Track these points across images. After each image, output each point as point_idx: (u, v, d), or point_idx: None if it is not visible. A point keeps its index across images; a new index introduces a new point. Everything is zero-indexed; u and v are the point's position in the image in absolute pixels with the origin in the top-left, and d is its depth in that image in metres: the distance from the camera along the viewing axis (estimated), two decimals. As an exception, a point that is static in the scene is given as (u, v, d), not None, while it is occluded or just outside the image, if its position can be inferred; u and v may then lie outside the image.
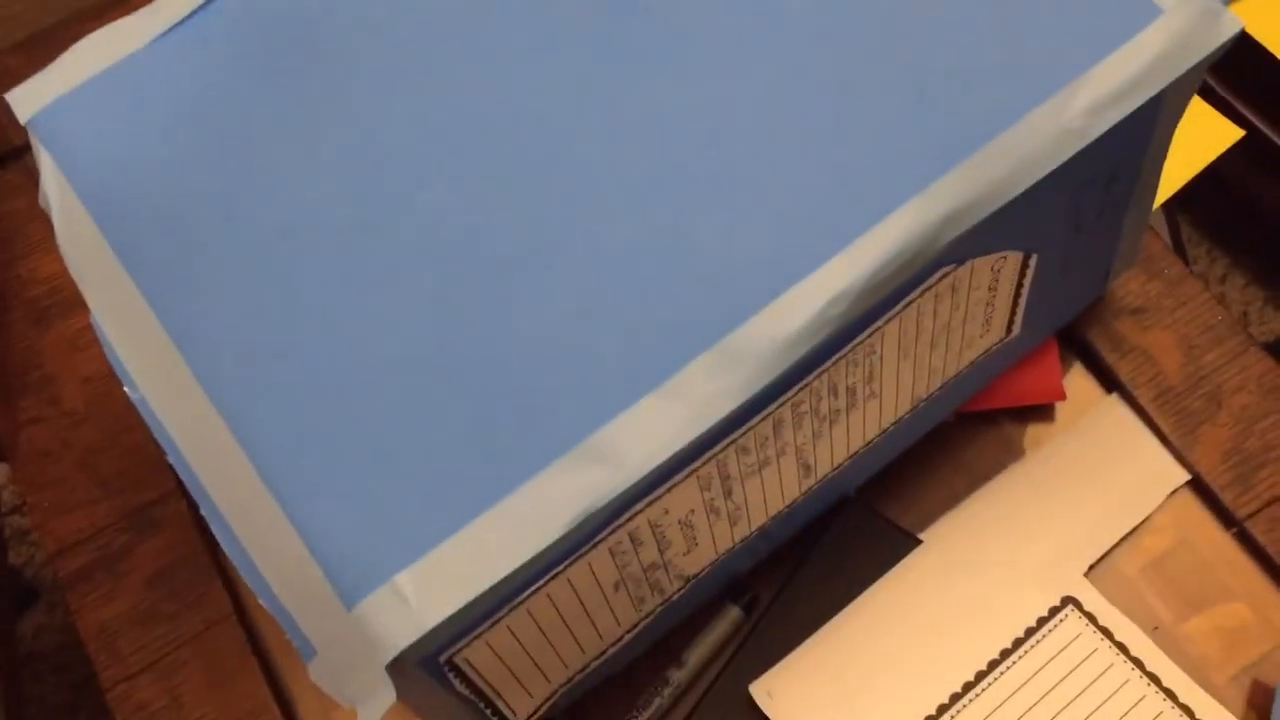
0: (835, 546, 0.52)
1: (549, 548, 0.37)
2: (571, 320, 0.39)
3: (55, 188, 0.43)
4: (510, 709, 0.44)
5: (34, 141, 0.44)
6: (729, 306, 0.38)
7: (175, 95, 0.43)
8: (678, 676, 0.52)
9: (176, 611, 0.55)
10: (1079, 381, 0.57)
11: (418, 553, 0.36)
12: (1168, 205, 1.04)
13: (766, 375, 0.38)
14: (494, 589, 0.36)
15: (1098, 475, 0.54)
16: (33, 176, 0.65)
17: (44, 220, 0.64)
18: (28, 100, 0.44)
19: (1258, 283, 1.12)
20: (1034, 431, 0.56)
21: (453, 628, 0.37)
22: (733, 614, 0.53)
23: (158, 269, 0.41)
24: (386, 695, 0.36)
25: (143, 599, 0.55)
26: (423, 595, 0.36)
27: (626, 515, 0.39)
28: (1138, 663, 0.49)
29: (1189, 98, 0.44)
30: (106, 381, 0.60)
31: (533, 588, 0.38)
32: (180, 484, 0.58)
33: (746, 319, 0.38)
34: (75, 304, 0.62)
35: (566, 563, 0.39)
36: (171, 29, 0.45)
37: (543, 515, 0.36)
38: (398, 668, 0.36)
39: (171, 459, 0.40)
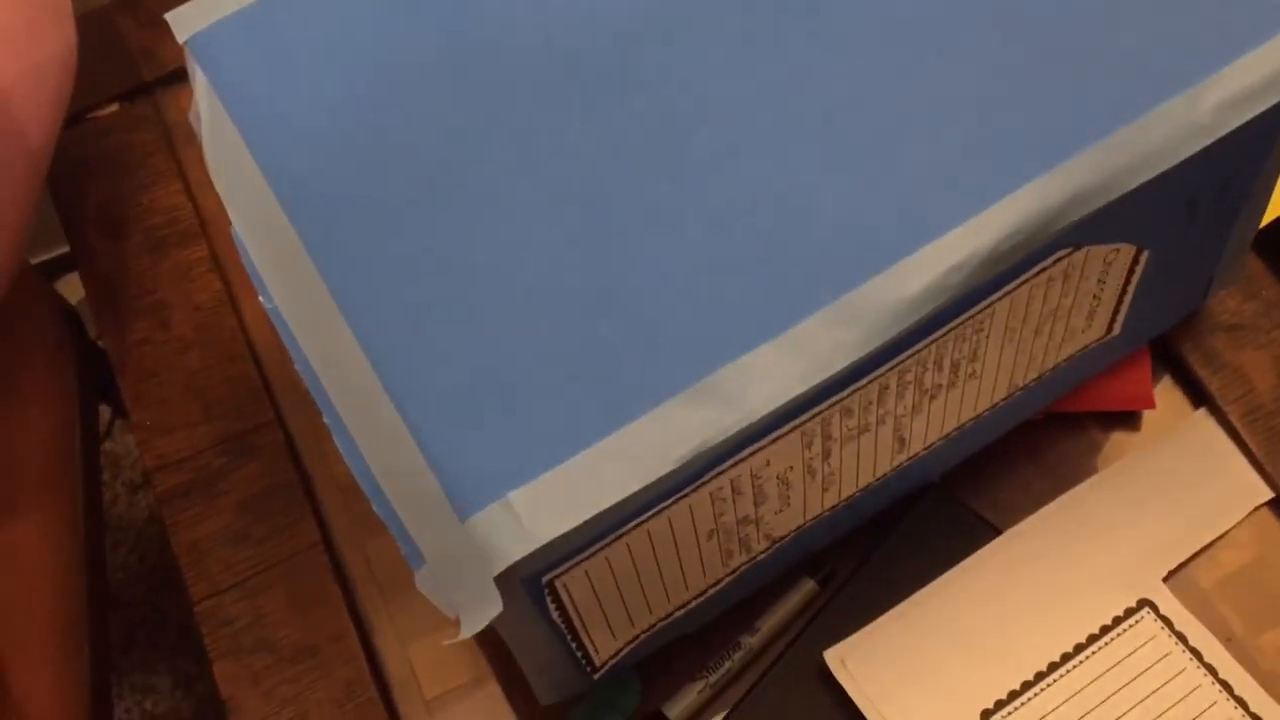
0: (915, 529, 0.53)
1: (659, 480, 0.38)
2: (700, 266, 0.40)
3: (206, 105, 0.45)
4: (594, 645, 0.46)
5: (189, 60, 0.46)
6: (852, 266, 0.39)
7: (330, 27, 0.45)
8: (749, 642, 0.52)
9: (266, 536, 0.56)
10: (1168, 395, 0.57)
11: (533, 473, 0.38)
12: (1264, 255, 1.04)
13: (882, 335, 0.39)
14: (602, 516, 0.38)
15: (1181, 486, 0.54)
16: (160, 111, 0.67)
17: (167, 153, 0.66)
18: (187, 21, 0.46)
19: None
20: (1118, 439, 0.57)
21: (559, 549, 0.38)
22: (808, 586, 0.53)
23: (300, 187, 0.43)
24: (492, 605, 0.37)
25: (234, 521, 0.57)
26: (534, 514, 0.37)
27: (731, 460, 0.40)
28: (1211, 670, 0.50)
29: (1313, 110, 0.45)
30: (215, 312, 0.62)
31: (635, 521, 0.40)
32: (279, 415, 0.59)
33: (868, 279, 0.39)
34: (191, 235, 0.64)
35: (670, 500, 0.40)
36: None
37: (657, 448, 0.38)
38: (501, 583, 0.38)
39: (298, 366, 0.41)
